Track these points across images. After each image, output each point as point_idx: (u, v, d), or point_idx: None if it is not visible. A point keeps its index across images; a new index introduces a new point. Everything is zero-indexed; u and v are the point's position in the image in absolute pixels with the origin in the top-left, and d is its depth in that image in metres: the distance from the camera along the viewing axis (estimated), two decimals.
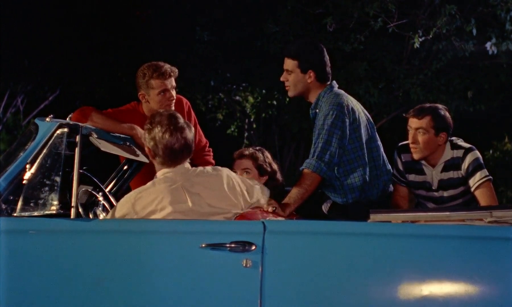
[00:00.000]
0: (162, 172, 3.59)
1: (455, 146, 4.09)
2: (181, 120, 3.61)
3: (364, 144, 4.06)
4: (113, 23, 11.75)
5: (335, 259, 3.28)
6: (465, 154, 4.03)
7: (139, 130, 4.07)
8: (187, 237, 3.33)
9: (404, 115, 4.17)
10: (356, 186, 4.03)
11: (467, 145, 4.08)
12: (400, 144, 4.22)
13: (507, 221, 3.42)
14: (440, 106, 4.11)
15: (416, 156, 4.06)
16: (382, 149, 4.18)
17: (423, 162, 4.11)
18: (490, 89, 10.06)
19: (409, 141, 4.08)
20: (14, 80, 12.92)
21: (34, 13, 11.68)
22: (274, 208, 3.76)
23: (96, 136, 3.83)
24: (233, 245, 3.26)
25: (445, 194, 4.11)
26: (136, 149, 4.08)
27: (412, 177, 4.17)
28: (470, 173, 4.00)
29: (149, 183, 3.56)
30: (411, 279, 3.24)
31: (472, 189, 4.01)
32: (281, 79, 4.12)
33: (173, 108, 4.27)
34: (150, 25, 11.04)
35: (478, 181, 3.99)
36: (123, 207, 3.48)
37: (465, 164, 4.02)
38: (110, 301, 3.27)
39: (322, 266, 3.27)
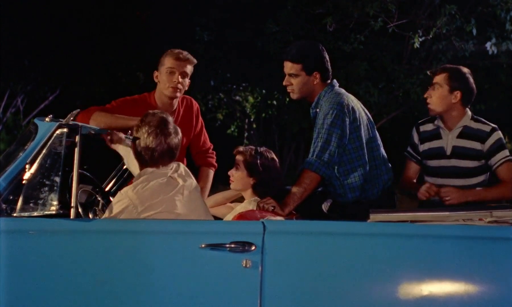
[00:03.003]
0: (145, 170, 3.65)
1: (478, 120, 4.22)
2: (171, 126, 3.66)
3: (365, 144, 4.05)
4: (113, 23, 11.75)
5: (335, 259, 3.28)
6: (492, 131, 4.18)
7: None
8: (187, 237, 3.33)
9: (428, 72, 4.37)
10: (356, 186, 4.03)
11: (492, 124, 4.23)
12: (420, 121, 4.41)
13: (507, 221, 3.43)
14: (462, 67, 4.26)
15: (431, 112, 4.22)
16: (382, 148, 4.18)
17: (440, 125, 4.24)
18: (490, 89, 10.05)
19: (425, 96, 4.25)
20: (14, 80, 12.91)
21: (34, 13, 11.67)
22: (273, 207, 3.76)
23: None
24: (232, 245, 3.26)
25: (458, 164, 4.18)
26: None
27: (427, 145, 4.28)
28: (495, 150, 4.15)
29: (143, 178, 3.60)
30: (411, 279, 3.23)
31: (495, 166, 4.15)
32: (284, 83, 4.10)
33: (177, 97, 4.34)
34: (150, 25, 11.03)
35: (501, 159, 4.15)
36: (121, 203, 3.50)
37: (490, 140, 4.16)
38: (110, 301, 3.27)
39: (322, 266, 3.26)
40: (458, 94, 4.17)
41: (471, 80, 4.22)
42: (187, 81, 4.36)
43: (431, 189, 4.03)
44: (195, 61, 4.38)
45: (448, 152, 4.22)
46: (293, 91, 4.10)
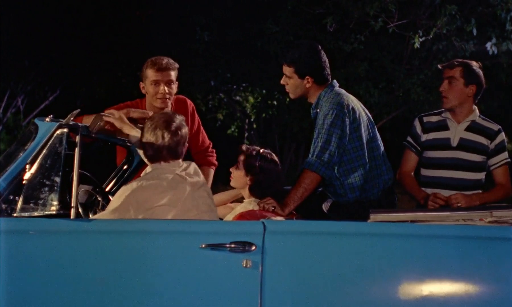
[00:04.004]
0: (153, 166, 3.67)
1: (484, 118, 4.32)
2: (175, 124, 3.66)
3: (365, 144, 4.05)
4: (113, 23, 11.75)
5: (335, 259, 3.28)
6: (499, 131, 4.28)
7: (133, 110, 4.04)
8: (187, 237, 3.33)
9: (439, 66, 4.45)
10: (356, 186, 4.03)
11: (498, 125, 4.34)
12: (424, 113, 4.49)
13: (507, 221, 3.43)
14: (474, 62, 4.35)
15: (446, 104, 4.28)
16: (382, 148, 4.18)
17: (448, 117, 4.30)
18: (490, 89, 10.05)
19: (441, 89, 4.30)
20: (14, 80, 12.93)
21: (34, 13, 11.68)
22: (273, 207, 3.76)
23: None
24: (233, 246, 3.26)
25: (463, 156, 4.23)
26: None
27: (432, 135, 4.32)
28: (499, 150, 4.26)
29: (147, 175, 3.62)
30: (411, 279, 3.23)
31: (493, 167, 4.26)
32: (282, 82, 4.15)
33: (169, 105, 4.32)
34: (150, 25, 11.03)
35: (501, 160, 4.26)
36: (126, 193, 3.52)
37: (497, 140, 4.26)
38: (110, 301, 3.27)
39: (322, 266, 3.26)
40: (473, 87, 4.27)
41: (480, 72, 4.32)
42: (174, 87, 4.33)
43: (438, 198, 4.05)
44: (176, 65, 4.33)
45: (454, 143, 4.27)
46: (289, 91, 4.16)
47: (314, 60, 4.08)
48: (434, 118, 4.37)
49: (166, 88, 4.26)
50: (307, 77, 4.07)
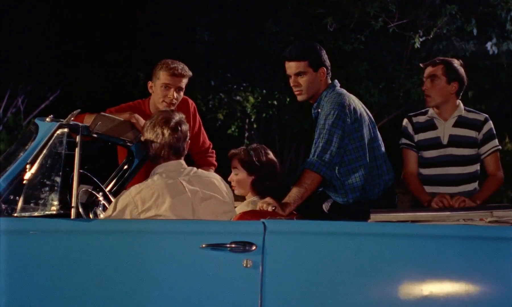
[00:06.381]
0: (156, 168, 3.66)
1: (470, 111, 4.40)
2: (174, 120, 3.63)
3: (366, 144, 4.05)
4: (114, 23, 11.76)
5: (335, 259, 3.28)
6: (486, 120, 4.34)
7: (136, 116, 4.01)
8: (187, 237, 3.33)
9: (421, 65, 4.55)
10: (357, 186, 4.03)
11: (484, 114, 4.40)
12: (411, 113, 4.54)
13: (507, 221, 3.42)
14: (455, 60, 4.44)
15: (429, 103, 4.37)
16: (383, 149, 4.18)
17: (435, 116, 4.37)
18: (490, 89, 10.08)
19: (424, 88, 4.40)
20: (14, 80, 12.94)
21: (34, 13, 11.68)
22: (273, 208, 3.75)
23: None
24: (233, 245, 3.26)
25: (455, 152, 4.31)
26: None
27: (422, 136, 4.39)
28: (487, 138, 4.32)
29: (148, 179, 3.61)
30: (411, 279, 3.23)
31: (484, 156, 4.32)
32: (292, 84, 4.08)
33: (172, 108, 4.28)
34: (151, 25, 11.05)
35: (491, 148, 4.32)
36: (124, 200, 3.51)
37: (484, 129, 4.31)
38: (110, 301, 3.27)
39: (322, 266, 3.26)
40: (455, 84, 4.34)
41: (461, 69, 4.39)
42: (182, 94, 4.32)
43: (444, 200, 4.06)
44: (190, 73, 4.31)
45: (445, 141, 4.34)
46: (301, 92, 4.08)
47: (323, 52, 4.09)
48: (422, 118, 4.43)
49: (175, 93, 4.25)
50: (321, 68, 4.05)
